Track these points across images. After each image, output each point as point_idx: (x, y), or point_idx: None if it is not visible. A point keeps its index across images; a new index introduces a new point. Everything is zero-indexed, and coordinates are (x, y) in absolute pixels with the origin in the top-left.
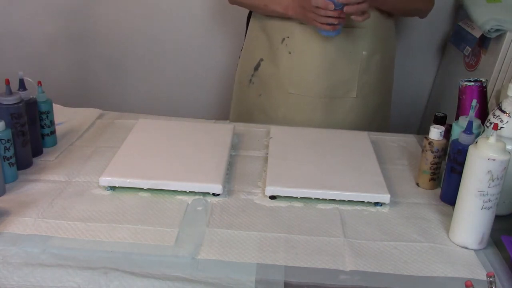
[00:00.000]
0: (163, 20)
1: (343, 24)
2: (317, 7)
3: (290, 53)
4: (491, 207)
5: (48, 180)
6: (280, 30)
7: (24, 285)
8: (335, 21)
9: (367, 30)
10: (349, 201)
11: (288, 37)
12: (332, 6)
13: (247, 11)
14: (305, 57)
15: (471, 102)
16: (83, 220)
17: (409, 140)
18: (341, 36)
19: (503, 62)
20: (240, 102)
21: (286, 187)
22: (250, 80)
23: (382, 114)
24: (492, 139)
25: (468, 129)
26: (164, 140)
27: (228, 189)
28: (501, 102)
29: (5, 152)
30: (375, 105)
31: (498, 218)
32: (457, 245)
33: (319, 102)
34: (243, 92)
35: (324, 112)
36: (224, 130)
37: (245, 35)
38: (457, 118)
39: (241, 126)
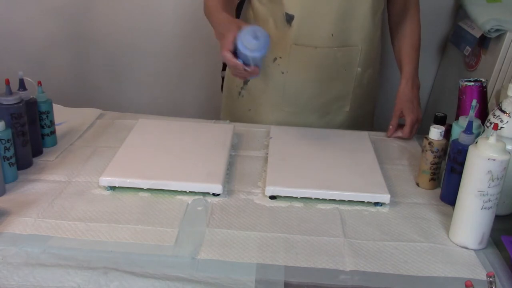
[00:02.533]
0: (163, 20)
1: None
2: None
3: (283, 73)
4: (491, 207)
5: (48, 180)
6: (271, 50)
7: (24, 285)
8: (247, 76)
9: (362, 48)
10: (349, 201)
11: (280, 57)
12: (241, 66)
13: None
14: (300, 77)
15: (471, 102)
16: (83, 220)
17: (409, 140)
18: (337, 55)
19: (503, 62)
20: (229, 111)
21: (286, 187)
22: (240, 92)
23: (367, 123)
24: (492, 139)
25: (468, 129)
26: (164, 140)
27: (228, 189)
28: (501, 102)
29: (5, 152)
30: (363, 116)
31: (498, 218)
32: (457, 245)
33: (312, 117)
34: (232, 102)
35: (316, 126)
36: (224, 130)
37: None
38: (457, 118)
39: (241, 126)
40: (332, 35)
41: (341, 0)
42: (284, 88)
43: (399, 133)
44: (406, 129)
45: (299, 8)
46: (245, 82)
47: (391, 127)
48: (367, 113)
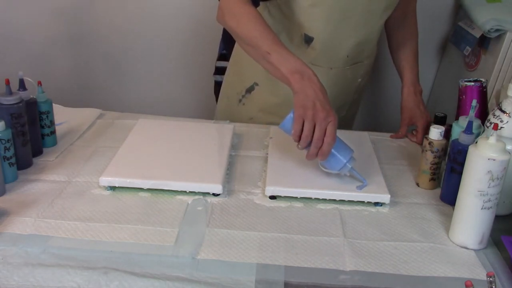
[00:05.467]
0: (163, 20)
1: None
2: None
3: None
4: (491, 207)
5: (48, 180)
6: None
7: (24, 285)
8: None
9: (367, 62)
10: (349, 201)
11: None
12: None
13: None
14: None
15: (471, 102)
16: (83, 220)
17: (409, 140)
18: (347, 72)
19: (503, 62)
20: (226, 116)
21: (286, 187)
22: (240, 100)
23: (357, 121)
24: (492, 139)
25: (468, 129)
26: (164, 140)
27: (228, 189)
28: (501, 102)
29: (5, 152)
30: (352, 116)
31: (498, 218)
32: (457, 245)
33: None
34: (231, 108)
35: None
36: (224, 130)
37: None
38: (457, 118)
39: (241, 126)
40: (347, 56)
41: (361, 27)
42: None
43: (414, 139)
44: (419, 135)
45: (320, 31)
46: (248, 90)
47: (400, 133)
48: (355, 113)
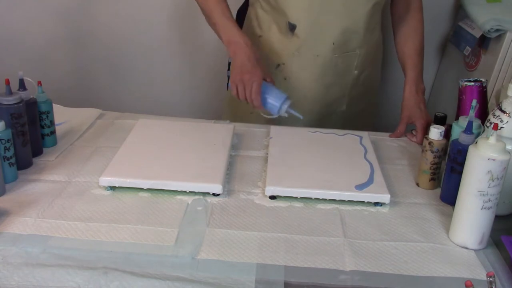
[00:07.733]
0: (162, 21)
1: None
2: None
3: (285, 79)
4: (491, 207)
5: (48, 180)
6: (274, 56)
7: (24, 285)
8: (249, 101)
9: (360, 52)
10: (349, 201)
11: (283, 64)
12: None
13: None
14: (301, 83)
15: (471, 102)
16: (83, 220)
17: (409, 140)
18: (337, 61)
19: (503, 62)
20: (231, 111)
21: (286, 187)
22: None
23: (366, 119)
24: (492, 139)
25: (468, 129)
26: (164, 140)
27: (228, 189)
28: (501, 102)
29: (5, 152)
30: (359, 114)
31: (498, 218)
32: (457, 245)
33: (310, 118)
34: (235, 103)
35: (313, 126)
36: (224, 130)
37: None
38: (457, 118)
39: (241, 126)
40: (333, 43)
41: (345, 14)
42: (286, 93)
43: (414, 139)
44: (419, 135)
45: (302, 18)
46: None
47: (398, 131)
48: (364, 112)
